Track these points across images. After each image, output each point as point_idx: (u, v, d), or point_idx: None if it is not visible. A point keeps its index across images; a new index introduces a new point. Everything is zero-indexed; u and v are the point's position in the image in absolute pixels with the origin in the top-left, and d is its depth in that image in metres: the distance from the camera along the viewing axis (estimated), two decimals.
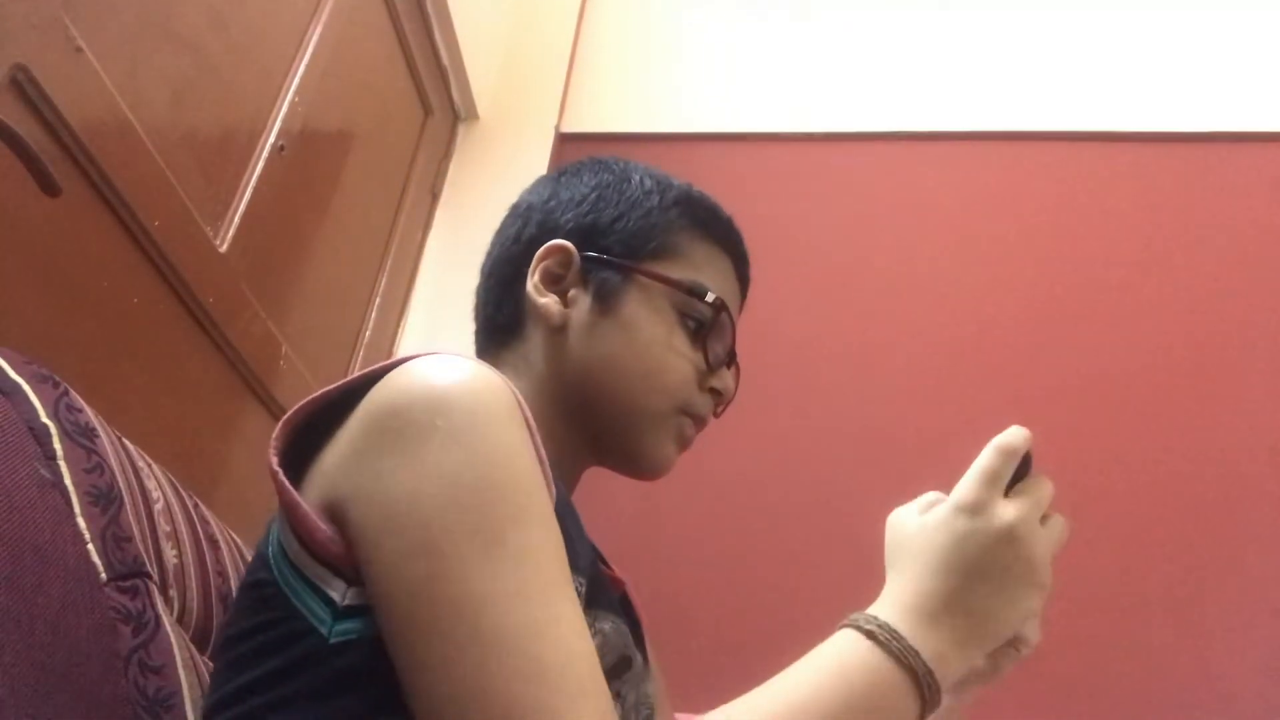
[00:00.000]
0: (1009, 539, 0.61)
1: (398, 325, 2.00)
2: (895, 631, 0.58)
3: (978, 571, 0.60)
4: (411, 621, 0.54)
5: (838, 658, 0.58)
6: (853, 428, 1.77)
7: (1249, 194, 1.86)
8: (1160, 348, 1.75)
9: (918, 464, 0.66)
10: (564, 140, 2.19)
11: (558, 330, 0.79)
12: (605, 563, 0.80)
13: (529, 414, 0.63)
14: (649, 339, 0.78)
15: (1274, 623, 1.51)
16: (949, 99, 2.06)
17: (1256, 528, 1.59)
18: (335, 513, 0.60)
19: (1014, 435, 0.63)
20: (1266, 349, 1.72)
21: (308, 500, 0.61)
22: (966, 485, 0.63)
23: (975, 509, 0.62)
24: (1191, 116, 1.94)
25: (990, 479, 0.63)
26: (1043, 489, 0.64)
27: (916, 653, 0.57)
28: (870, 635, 0.58)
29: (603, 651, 0.55)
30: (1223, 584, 1.55)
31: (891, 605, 0.61)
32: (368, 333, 1.89)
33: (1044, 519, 0.64)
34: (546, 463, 0.63)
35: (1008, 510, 0.62)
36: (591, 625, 0.57)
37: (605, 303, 0.78)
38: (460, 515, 0.55)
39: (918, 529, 0.64)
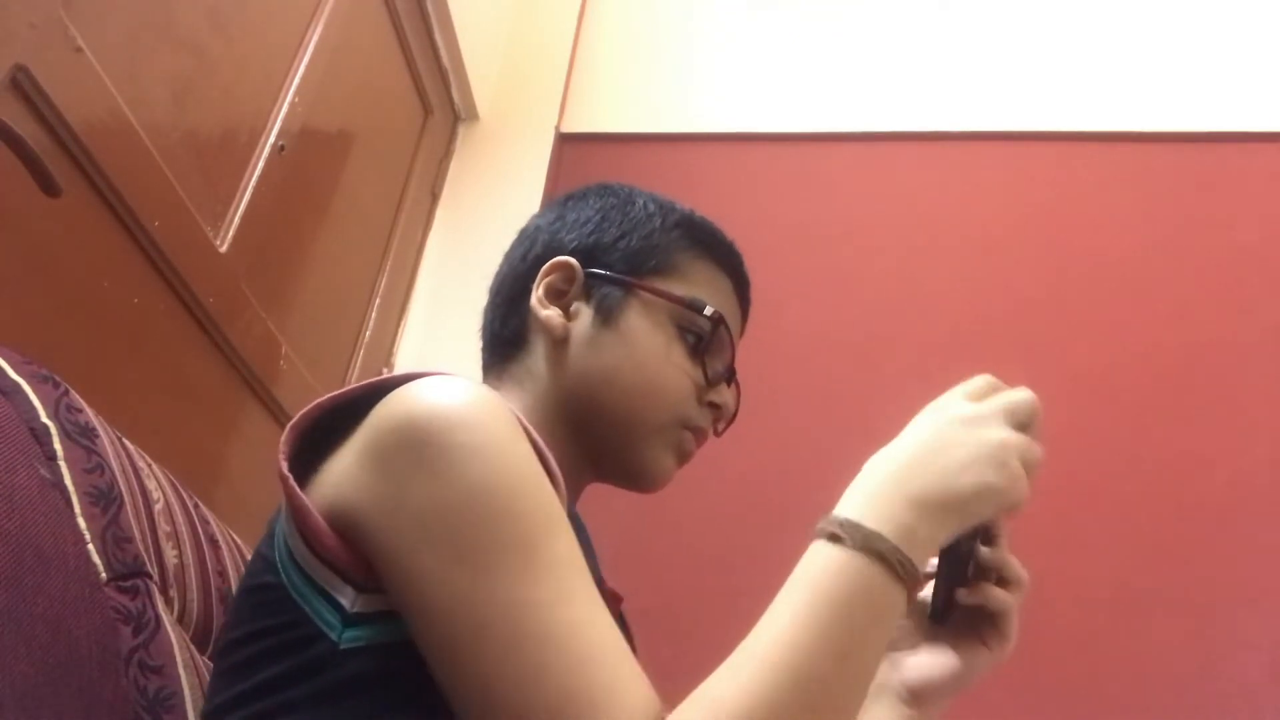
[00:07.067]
0: (962, 419, 0.63)
1: (398, 325, 2.00)
2: (854, 523, 0.59)
3: (930, 446, 0.63)
4: (458, 629, 0.55)
5: (810, 572, 0.59)
6: (852, 429, 1.76)
7: (1249, 194, 1.86)
8: (1161, 347, 1.75)
9: None
10: (564, 140, 2.19)
11: (560, 342, 0.80)
12: (600, 576, 0.80)
13: (534, 432, 0.65)
14: (648, 351, 0.79)
15: None
16: (949, 99, 2.06)
17: (1259, 527, 1.59)
18: (344, 522, 0.60)
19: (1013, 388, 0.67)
20: (1267, 348, 1.72)
21: (314, 506, 0.61)
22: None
23: (937, 407, 0.65)
24: (1191, 116, 1.94)
25: (963, 390, 0.66)
26: (1018, 399, 0.66)
27: (879, 535, 0.58)
28: (832, 537, 0.59)
29: None
30: (1228, 584, 1.55)
31: (848, 500, 0.62)
32: (368, 333, 1.89)
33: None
34: (560, 476, 0.64)
35: (968, 404, 0.65)
36: None
37: (606, 316, 0.80)
38: (494, 525, 0.57)
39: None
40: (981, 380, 0.67)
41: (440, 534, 0.57)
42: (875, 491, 0.61)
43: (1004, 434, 0.63)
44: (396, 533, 0.58)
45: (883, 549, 0.57)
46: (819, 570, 0.58)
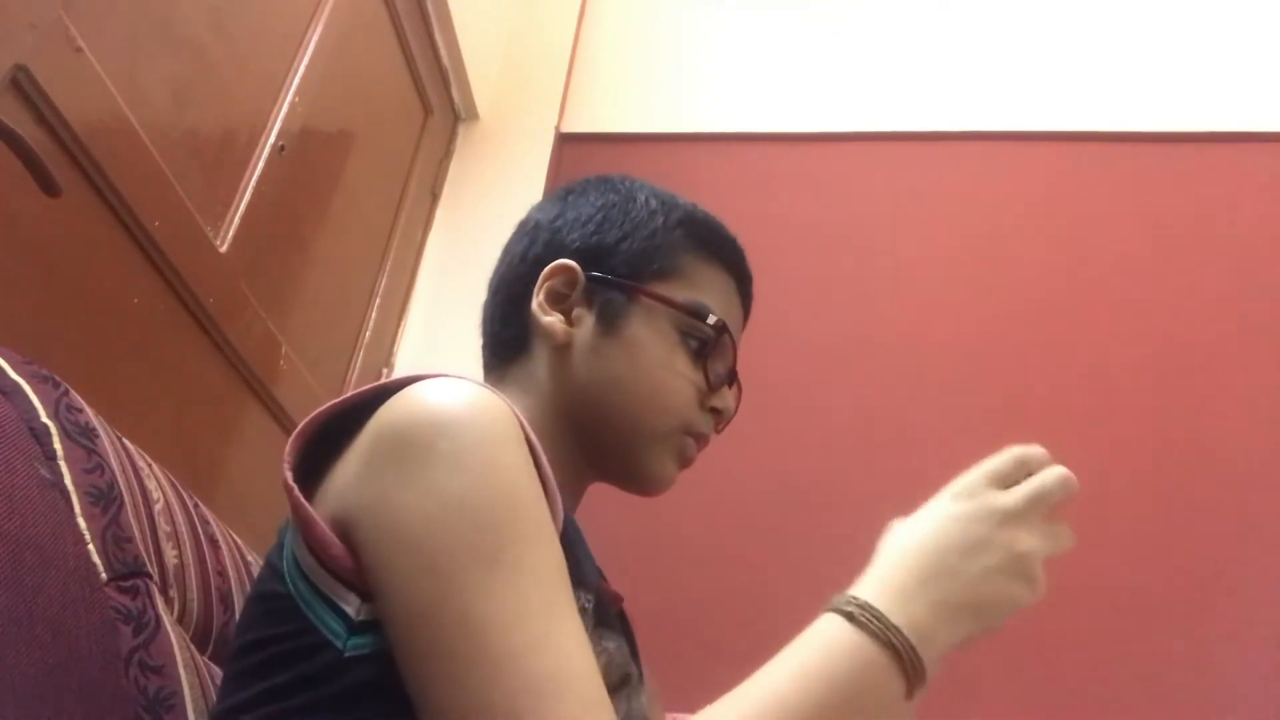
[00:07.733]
0: (993, 519, 0.62)
1: (398, 325, 2.00)
2: (875, 610, 0.58)
3: (958, 546, 0.61)
4: (418, 640, 0.55)
5: (820, 643, 0.58)
6: (852, 430, 1.77)
7: (1249, 194, 1.86)
8: (1161, 347, 1.75)
9: (918, 467, 0.67)
10: (564, 140, 2.19)
11: (562, 349, 0.80)
12: (603, 576, 0.80)
13: (533, 436, 0.64)
14: (651, 360, 0.79)
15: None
16: (949, 99, 2.07)
17: (1258, 527, 1.59)
18: (346, 529, 0.60)
19: (1033, 448, 0.65)
20: (1267, 348, 1.72)
21: (321, 514, 0.61)
22: (965, 476, 0.64)
23: (966, 494, 0.63)
24: (1191, 116, 1.94)
25: (990, 476, 0.64)
26: (1048, 485, 0.64)
27: (898, 629, 0.57)
28: (850, 617, 0.58)
29: (608, 670, 0.56)
30: (1227, 585, 1.55)
31: (872, 584, 0.61)
32: (368, 333, 1.89)
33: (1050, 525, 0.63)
34: (554, 484, 0.64)
35: (998, 497, 0.63)
36: (598, 644, 0.58)
37: (609, 323, 0.79)
38: (462, 536, 0.56)
39: (909, 520, 0.64)
40: (1009, 458, 0.65)
41: (410, 542, 0.56)
42: (899, 584, 0.60)
43: (1033, 542, 0.62)
44: (376, 538, 0.58)
45: (899, 644, 0.57)
46: (829, 644, 0.57)
